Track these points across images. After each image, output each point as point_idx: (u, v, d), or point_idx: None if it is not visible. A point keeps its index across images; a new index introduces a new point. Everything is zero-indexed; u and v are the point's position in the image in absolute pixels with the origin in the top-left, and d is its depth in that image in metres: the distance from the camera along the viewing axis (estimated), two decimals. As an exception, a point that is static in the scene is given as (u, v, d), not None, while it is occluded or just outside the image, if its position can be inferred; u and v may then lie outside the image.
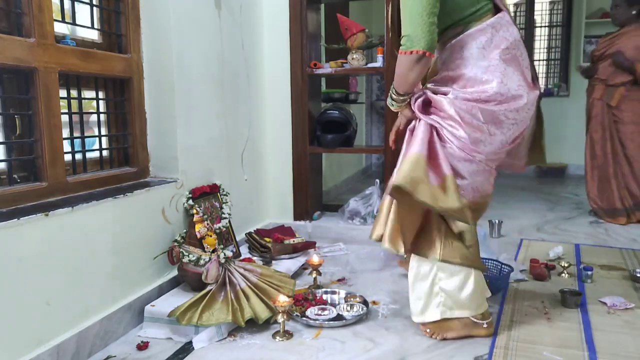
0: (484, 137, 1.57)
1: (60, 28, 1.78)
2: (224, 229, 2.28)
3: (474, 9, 1.58)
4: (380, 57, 2.83)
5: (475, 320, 1.72)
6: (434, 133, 1.60)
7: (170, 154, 2.14)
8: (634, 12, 3.40)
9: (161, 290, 1.99)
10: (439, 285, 1.69)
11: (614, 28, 3.46)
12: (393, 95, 1.68)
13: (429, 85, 1.69)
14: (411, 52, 1.50)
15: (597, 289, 2.18)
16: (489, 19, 1.57)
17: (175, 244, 2.00)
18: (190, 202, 2.13)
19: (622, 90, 3.39)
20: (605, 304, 2.00)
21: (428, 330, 1.74)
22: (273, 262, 2.39)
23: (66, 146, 1.77)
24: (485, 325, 1.73)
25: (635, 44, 3.35)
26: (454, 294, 1.68)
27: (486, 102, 1.54)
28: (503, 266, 2.25)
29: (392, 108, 1.73)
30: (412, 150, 1.57)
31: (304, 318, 1.87)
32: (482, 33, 1.56)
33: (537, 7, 5.92)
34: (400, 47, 1.54)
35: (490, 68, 1.54)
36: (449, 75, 1.61)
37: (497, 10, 1.62)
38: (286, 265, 2.36)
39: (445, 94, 1.59)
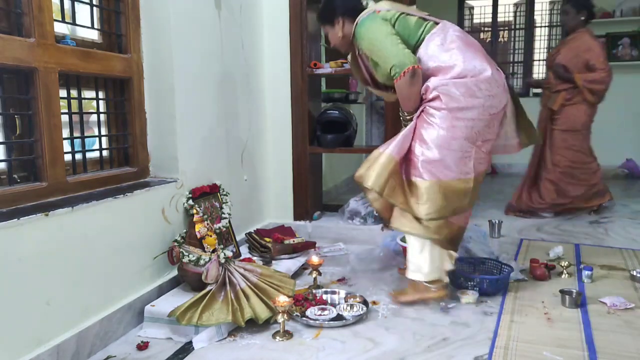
0: (463, 105, 1.84)
1: (60, 28, 1.78)
2: (224, 229, 2.28)
3: (422, 29, 1.95)
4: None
5: (426, 284, 1.96)
6: (417, 125, 1.92)
7: (170, 154, 2.14)
8: (582, 18, 3.45)
9: (161, 290, 1.99)
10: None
11: (614, 28, 3.47)
12: (406, 117, 2.02)
13: None
14: (404, 73, 1.81)
15: (597, 289, 2.18)
16: (435, 28, 1.95)
17: (175, 244, 2.00)
18: (190, 202, 2.13)
19: (564, 94, 3.48)
20: (605, 304, 2.00)
21: (391, 294, 2.09)
22: (273, 262, 2.39)
23: (66, 146, 1.77)
24: (433, 289, 1.96)
25: (575, 53, 3.42)
26: (412, 258, 1.98)
27: (457, 77, 1.85)
28: (503, 266, 2.25)
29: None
30: (387, 151, 1.89)
31: (304, 318, 1.87)
32: (435, 35, 1.92)
33: (537, 7, 5.92)
34: (394, 76, 1.84)
35: (452, 56, 1.87)
36: (425, 74, 1.89)
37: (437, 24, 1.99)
38: (286, 265, 2.36)
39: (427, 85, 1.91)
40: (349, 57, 2.15)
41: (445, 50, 1.89)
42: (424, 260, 1.95)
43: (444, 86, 1.85)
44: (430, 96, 1.87)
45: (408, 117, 1.99)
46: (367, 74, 2.13)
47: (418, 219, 1.90)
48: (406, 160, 1.91)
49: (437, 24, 1.98)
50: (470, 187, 1.92)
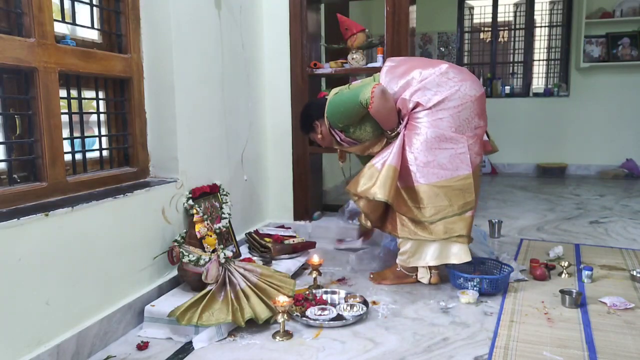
0: (440, 98, 2.01)
1: (60, 28, 1.78)
2: (224, 229, 2.28)
3: (374, 79, 2.20)
4: (380, 57, 2.83)
5: (405, 272, 2.23)
6: (405, 134, 2.08)
7: (170, 154, 2.14)
8: None
9: (161, 290, 1.99)
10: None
11: (614, 28, 3.43)
12: (390, 135, 2.15)
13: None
14: (373, 95, 1.99)
15: (597, 289, 2.18)
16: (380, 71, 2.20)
17: (175, 244, 2.00)
18: (190, 202, 2.13)
19: None
20: (605, 304, 2.00)
21: (371, 276, 2.30)
22: (273, 262, 2.39)
23: (66, 146, 1.77)
24: (413, 277, 2.22)
25: None
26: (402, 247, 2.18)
27: (422, 81, 2.05)
28: (503, 266, 2.25)
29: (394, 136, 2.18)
30: (388, 162, 2.03)
31: (304, 318, 1.87)
32: (381, 77, 2.16)
33: (537, 7, 5.92)
34: (367, 104, 2.02)
35: (406, 74, 2.11)
36: (397, 100, 2.10)
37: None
38: (286, 265, 2.36)
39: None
40: (334, 145, 2.38)
41: (398, 76, 2.11)
42: (407, 249, 2.15)
43: (418, 91, 2.03)
44: (411, 105, 2.04)
45: (392, 135, 2.14)
46: (344, 143, 2.34)
47: (422, 225, 2.04)
48: (402, 169, 2.04)
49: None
50: (470, 182, 2.00)
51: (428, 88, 2.02)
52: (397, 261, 2.22)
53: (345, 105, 2.12)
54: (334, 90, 2.26)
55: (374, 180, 2.01)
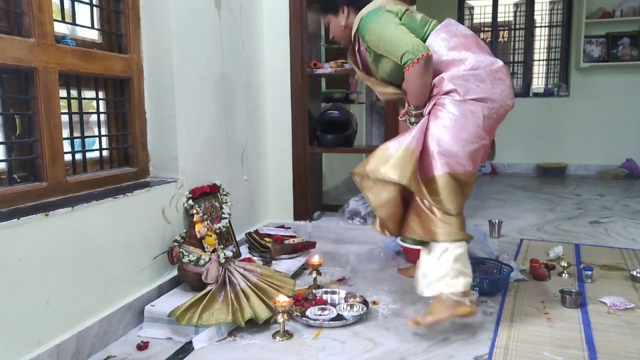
0: (482, 95, 1.76)
1: (60, 28, 1.78)
2: (224, 229, 2.28)
3: (427, 26, 1.88)
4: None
5: (457, 298, 1.71)
6: (430, 119, 1.80)
7: (170, 154, 2.14)
8: None
9: (161, 290, 1.99)
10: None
11: (614, 28, 3.43)
12: (412, 112, 1.87)
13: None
14: (418, 60, 1.69)
15: (597, 289, 2.18)
16: (440, 25, 1.88)
17: (175, 244, 2.00)
18: (190, 202, 2.13)
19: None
20: (605, 304, 2.00)
21: (411, 318, 1.77)
22: (273, 262, 2.39)
23: (66, 146, 1.77)
24: (468, 303, 1.71)
25: None
26: (430, 269, 1.77)
27: (471, 70, 1.78)
28: (503, 266, 2.26)
29: (412, 125, 1.90)
30: (405, 143, 1.73)
31: (304, 318, 1.87)
32: (440, 32, 1.85)
33: (537, 7, 5.92)
34: (406, 64, 1.71)
35: (461, 51, 1.80)
36: (435, 70, 1.80)
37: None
38: (286, 265, 2.36)
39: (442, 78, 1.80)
40: (349, 51, 2.04)
41: (452, 46, 1.82)
42: (448, 267, 1.71)
43: (460, 78, 1.75)
44: (447, 89, 1.76)
45: (414, 112, 1.86)
46: (362, 70, 2.04)
47: (435, 224, 1.72)
48: (421, 157, 1.74)
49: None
50: (472, 181, 1.83)
51: (472, 80, 1.76)
52: (441, 287, 1.74)
53: (384, 40, 1.78)
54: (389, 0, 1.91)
55: (386, 160, 1.71)
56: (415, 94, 1.82)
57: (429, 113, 1.80)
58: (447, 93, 1.77)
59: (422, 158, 1.74)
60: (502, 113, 1.82)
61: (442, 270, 1.72)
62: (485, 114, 1.76)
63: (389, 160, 1.70)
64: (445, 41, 1.83)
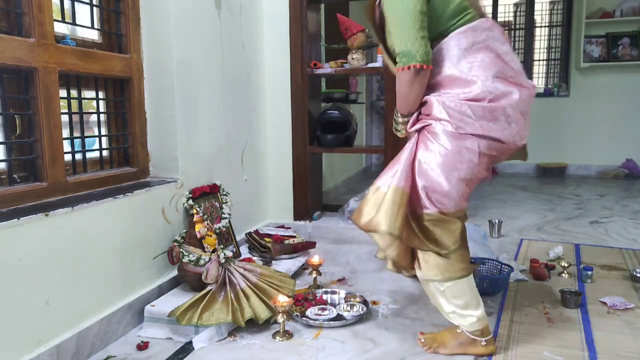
0: (480, 132, 1.49)
1: (60, 28, 1.78)
2: (224, 229, 2.28)
3: (457, 19, 1.54)
4: (380, 57, 2.83)
5: (472, 336, 1.62)
6: (420, 146, 1.58)
7: (170, 154, 2.14)
8: None
9: (161, 290, 1.99)
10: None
11: (614, 28, 3.42)
12: (398, 119, 1.68)
13: None
14: (409, 68, 1.48)
15: (597, 289, 2.18)
16: (469, 24, 1.54)
17: (175, 244, 2.00)
18: (190, 202, 2.13)
19: None
20: (605, 304, 2.00)
21: (422, 340, 1.70)
22: (273, 262, 2.39)
23: (66, 146, 1.77)
24: (483, 343, 1.62)
25: None
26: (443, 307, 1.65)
27: (474, 100, 1.49)
28: (503, 266, 2.25)
29: (398, 134, 1.72)
30: (394, 183, 1.54)
31: (304, 318, 1.87)
32: (463, 35, 1.53)
33: (537, 7, 5.92)
34: (397, 65, 1.52)
35: (474, 68, 1.50)
36: (434, 81, 1.56)
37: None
38: (286, 265, 2.36)
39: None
40: (367, 3, 1.70)
41: (465, 59, 1.52)
42: (452, 306, 1.61)
43: (455, 108, 1.50)
44: (437, 115, 1.53)
45: (400, 120, 1.67)
46: (379, 27, 1.71)
47: (441, 260, 1.56)
48: (411, 191, 1.56)
49: (482, 17, 1.59)
50: (462, 214, 1.63)
51: (470, 113, 1.49)
52: (456, 321, 1.65)
53: (393, 22, 1.52)
54: None
55: (377, 207, 1.54)
56: (400, 99, 1.62)
57: (418, 136, 1.60)
58: (438, 120, 1.54)
59: (412, 192, 1.56)
60: (507, 151, 1.57)
61: (449, 309, 1.63)
62: (483, 151, 1.52)
63: (381, 208, 1.53)
64: (461, 49, 1.52)
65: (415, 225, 1.56)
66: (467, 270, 1.59)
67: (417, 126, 1.60)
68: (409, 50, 1.48)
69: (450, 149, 1.52)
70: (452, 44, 1.53)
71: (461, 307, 1.60)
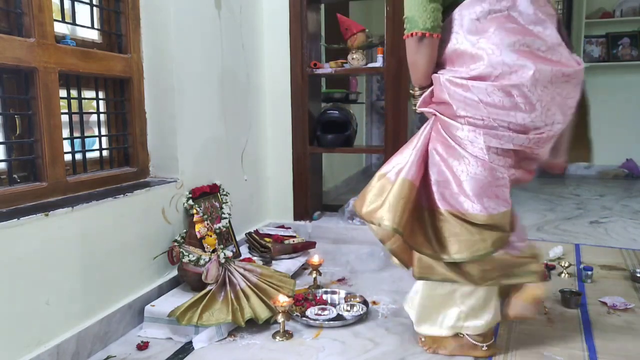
0: (473, 104, 1.34)
1: (60, 28, 1.78)
2: (224, 229, 2.28)
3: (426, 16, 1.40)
4: (380, 57, 2.83)
5: (473, 341, 1.59)
6: (432, 135, 1.46)
7: (170, 154, 2.14)
8: None
9: (161, 290, 1.99)
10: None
11: (614, 28, 3.42)
12: (414, 92, 1.55)
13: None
14: (412, 35, 1.40)
15: (597, 289, 2.17)
16: None
17: (175, 244, 2.01)
18: (190, 202, 2.13)
19: None
20: (605, 304, 2.00)
21: (423, 340, 1.67)
22: (273, 262, 2.39)
23: (66, 146, 1.77)
24: (484, 348, 1.59)
25: None
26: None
27: (479, 79, 1.33)
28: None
29: (415, 109, 1.57)
30: (402, 175, 1.43)
31: (304, 318, 1.87)
32: (477, 2, 1.36)
33: (537, 7, 5.92)
34: (404, 31, 1.44)
35: (482, 40, 1.33)
36: (444, 56, 1.44)
37: None
38: (286, 265, 2.36)
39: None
40: None
41: (476, 29, 1.35)
42: (458, 309, 1.56)
43: (459, 89, 1.36)
44: (440, 95, 1.42)
45: (415, 93, 1.54)
46: None
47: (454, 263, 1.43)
48: (424, 185, 1.45)
49: None
50: (503, 223, 1.41)
51: (474, 93, 1.32)
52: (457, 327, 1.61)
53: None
54: None
55: (384, 198, 1.43)
56: (410, 68, 1.51)
57: (431, 125, 1.48)
58: (440, 103, 1.44)
59: (424, 186, 1.45)
60: (540, 143, 1.37)
61: (454, 313, 1.55)
62: (494, 145, 1.35)
63: (386, 201, 1.41)
64: (472, 19, 1.36)
65: (429, 223, 1.44)
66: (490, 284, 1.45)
67: (426, 109, 1.48)
68: (413, 15, 1.39)
69: (477, 151, 1.37)
70: (464, 13, 1.38)
71: (469, 309, 1.53)
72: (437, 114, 1.46)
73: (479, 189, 1.37)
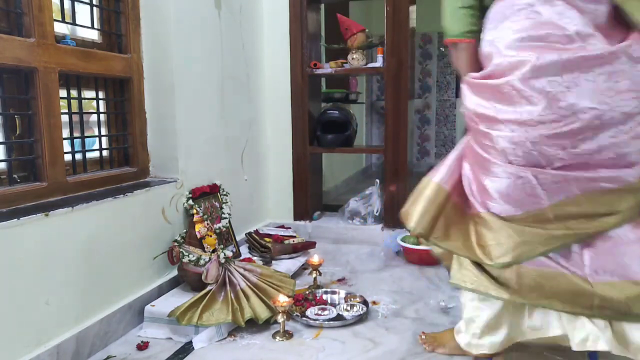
0: (492, 114, 1.28)
1: (60, 28, 1.78)
2: (224, 229, 2.28)
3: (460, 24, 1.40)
4: (380, 57, 2.83)
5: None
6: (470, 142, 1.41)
7: (170, 154, 2.14)
8: None
9: (161, 290, 1.99)
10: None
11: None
12: None
13: None
14: (445, 43, 1.44)
15: (597, 289, 2.17)
16: None
17: (175, 244, 2.01)
18: (190, 202, 2.13)
19: None
20: (605, 304, 2.00)
21: (423, 337, 1.68)
22: (273, 262, 2.39)
23: (66, 146, 1.77)
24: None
25: None
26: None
27: (486, 78, 1.31)
28: (503, 266, 2.25)
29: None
30: (434, 178, 1.43)
31: (304, 318, 1.87)
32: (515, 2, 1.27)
33: (537, 7, 5.92)
34: (445, 34, 1.45)
35: (497, 38, 1.28)
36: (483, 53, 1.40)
37: None
38: (286, 265, 2.36)
39: None
40: None
41: (497, 26, 1.29)
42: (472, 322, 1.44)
43: (475, 91, 1.33)
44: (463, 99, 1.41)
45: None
46: None
47: (486, 271, 1.34)
48: (462, 190, 1.43)
49: None
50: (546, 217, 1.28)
51: (489, 95, 1.29)
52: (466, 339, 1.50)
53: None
54: None
55: (415, 199, 1.44)
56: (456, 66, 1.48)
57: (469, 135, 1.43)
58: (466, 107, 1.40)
59: (459, 189, 1.42)
60: (555, 134, 1.21)
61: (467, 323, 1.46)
62: (507, 146, 1.26)
63: (416, 201, 1.42)
64: (495, 18, 1.30)
65: (472, 228, 1.37)
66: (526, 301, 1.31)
67: (464, 111, 1.42)
68: (445, 23, 1.40)
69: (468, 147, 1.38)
70: (492, 11, 1.33)
71: (467, 322, 1.45)
72: (468, 117, 1.42)
73: (505, 191, 1.31)
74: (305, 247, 2.55)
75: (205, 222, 2.11)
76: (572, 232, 1.25)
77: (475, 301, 1.41)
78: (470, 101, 1.35)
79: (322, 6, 3.33)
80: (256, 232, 2.63)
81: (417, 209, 1.40)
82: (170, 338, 1.76)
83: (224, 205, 2.34)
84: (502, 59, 1.26)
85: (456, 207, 1.41)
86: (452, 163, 1.43)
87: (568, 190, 1.24)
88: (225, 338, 1.76)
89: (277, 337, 1.75)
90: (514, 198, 1.29)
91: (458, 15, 1.38)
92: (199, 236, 2.04)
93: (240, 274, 1.98)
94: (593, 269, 1.24)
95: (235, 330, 1.80)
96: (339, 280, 2.33)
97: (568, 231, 1.26)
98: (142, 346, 1.69)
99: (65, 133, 1.78)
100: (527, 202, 1.28)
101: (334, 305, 2.00)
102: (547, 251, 1.28)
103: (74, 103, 1.86)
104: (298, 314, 1.90)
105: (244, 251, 2.52)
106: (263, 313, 1.81)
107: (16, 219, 1.39)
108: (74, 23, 1.85)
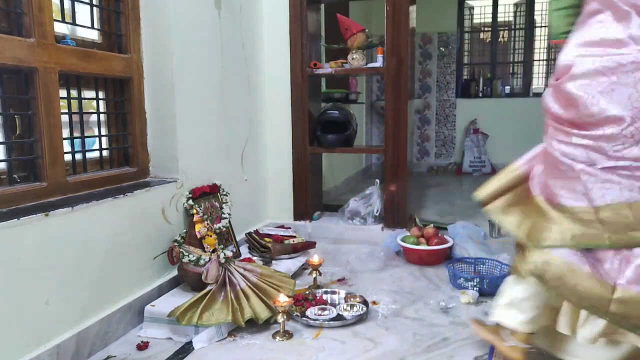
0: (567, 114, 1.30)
1: (60, 28, 1.78)
2: (224, 229, 2.28)
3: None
4: (380, 57, 2.83)
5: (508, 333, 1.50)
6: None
7: (170, 154, 2.14)
8: None
9: (161, 290, 1.99)
10: None
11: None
12: None
13: None
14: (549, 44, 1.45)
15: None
16: None
17: (175, 244, 2.01)
18: (190, 202, 2.13)
19: None
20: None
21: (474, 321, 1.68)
22: (273, 262, 2.39)
23: (66, 146, 1.77)
24: (512, 344, 1.49)
25: None
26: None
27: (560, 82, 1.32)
28: (503, 266, 2.25)
29: None
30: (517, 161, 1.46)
31: (304, 318, 1.87)
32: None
33: (537, 7, 5.92)
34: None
35: (569, 44, 1.31)
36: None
37: None
38: (286, 265, 2.36)
39: None
40: None
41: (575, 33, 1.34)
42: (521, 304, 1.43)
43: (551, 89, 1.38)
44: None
45: None
46: None
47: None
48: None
49: None
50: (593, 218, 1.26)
51: (555, 100, 1.34)
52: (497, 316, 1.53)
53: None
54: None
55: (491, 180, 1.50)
56: None
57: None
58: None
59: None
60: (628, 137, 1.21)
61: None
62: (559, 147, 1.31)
63: (496, 177, 1.49)
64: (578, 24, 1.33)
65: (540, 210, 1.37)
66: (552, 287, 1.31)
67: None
68: (548, 24, 1.39)
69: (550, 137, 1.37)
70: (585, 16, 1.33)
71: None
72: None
73: (570, 187, 1.31)
74: (305, 247, 2.55)
75: (205, 222, 2.11)
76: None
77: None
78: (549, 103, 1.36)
79: (322, 6, 3.32)
80: (256, 232, 2.63)
81: (491, 182, 1.47)
82: (170, 338, 1.76)
83: (224, 205, 2.34)
84: (559, 65, 1.32)
85: (526, 189, 1.43)
86: (536, 150, 1.45)
87: None
88: (225, 338, 1.76)
89: (277, 337, 1.75)
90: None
91: (556, 16, 1.41)
92: (199, 236, 2.04)
93: (240, 274, 1.98)
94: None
95: (235, 330, 1.80)
96: (339, 280, 2.33)
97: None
98: (142, 346, 1.69)
99: (65, 133, 1.78)
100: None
101: (334, 305, 2.00)
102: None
103: (74, 103, 1.86)
104: (298, 314, 1.90)
105: (244, 251, 2.52)
106: (263, 313, 1.81)
107: (16, 219, 1.39)
108: (74, 23, 1.85)
